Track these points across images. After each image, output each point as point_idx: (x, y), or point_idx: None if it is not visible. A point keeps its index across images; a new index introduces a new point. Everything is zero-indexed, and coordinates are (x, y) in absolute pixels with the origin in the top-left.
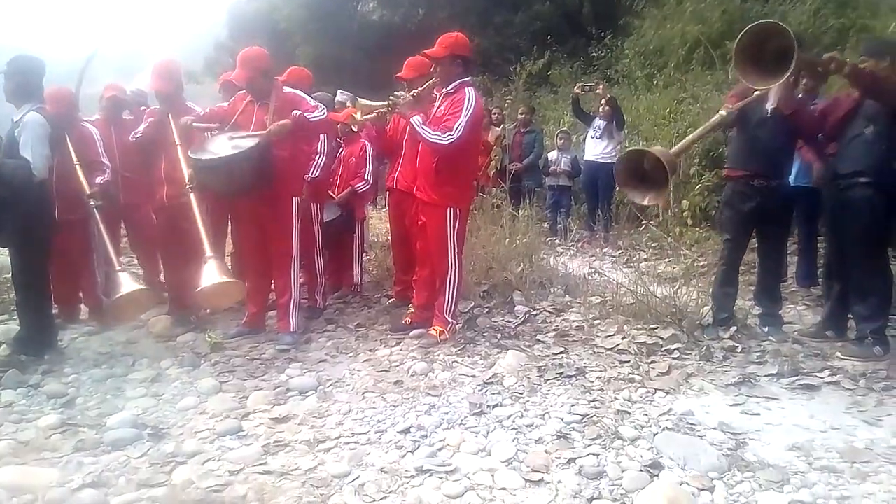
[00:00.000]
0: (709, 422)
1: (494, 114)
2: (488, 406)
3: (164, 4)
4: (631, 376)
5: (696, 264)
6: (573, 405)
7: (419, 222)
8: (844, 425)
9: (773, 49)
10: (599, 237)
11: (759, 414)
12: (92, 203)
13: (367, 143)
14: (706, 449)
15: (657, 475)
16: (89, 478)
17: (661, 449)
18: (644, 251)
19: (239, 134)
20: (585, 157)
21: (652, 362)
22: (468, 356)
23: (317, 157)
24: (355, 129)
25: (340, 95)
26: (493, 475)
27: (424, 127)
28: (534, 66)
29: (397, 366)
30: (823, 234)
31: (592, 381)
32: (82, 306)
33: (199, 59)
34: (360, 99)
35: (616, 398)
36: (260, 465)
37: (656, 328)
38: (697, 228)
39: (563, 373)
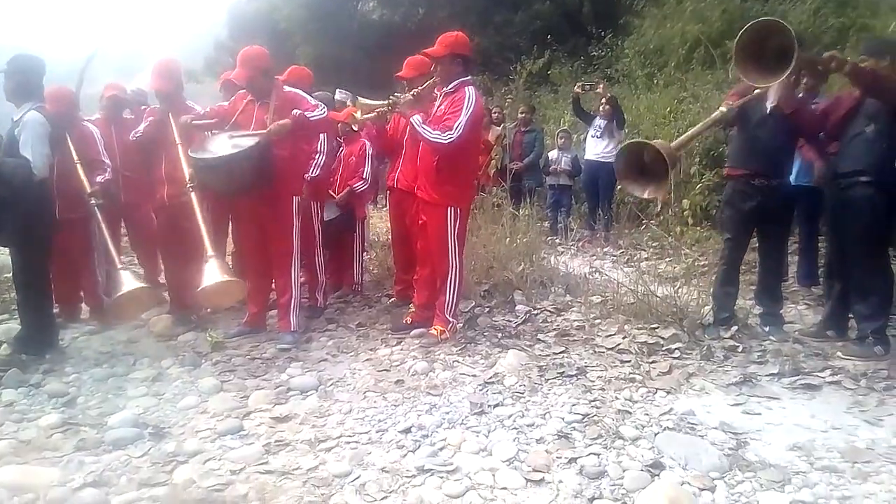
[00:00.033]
0: (710, 421)
1: (495, 113)
2: (489, 406)
3: (164, 4)
4: (632, 376)
5: (696, 264)
6: (574, 405)
7: (420, 221)
8: (846, 425)
9: (774, 47)
10: (600, 236)
11: (760, 414)
12: (93, 202)
13: (367, 142)
14: (707, 449)
15: (658, 475)
16: (90, 477)
17: (662, 449)
18: (645, 250)
19: (239, 133)
20: (586, 157)
21: (653, 362)
22: (469, 356)
23: (317, 157)
24: (356, 129)
25: (339, 94)
26: (494, 475)
27: (424, 126)
28: (534, 65)
29: (398, 365)
30: (824, 233)
31: (593, 381)
32: (83, 305)
33: (200, 59)
34: (360, 98)
35: (617, 398)
36: (261, 464)
37: (657, 328)
38: (698, 228)
39: (563, 372)
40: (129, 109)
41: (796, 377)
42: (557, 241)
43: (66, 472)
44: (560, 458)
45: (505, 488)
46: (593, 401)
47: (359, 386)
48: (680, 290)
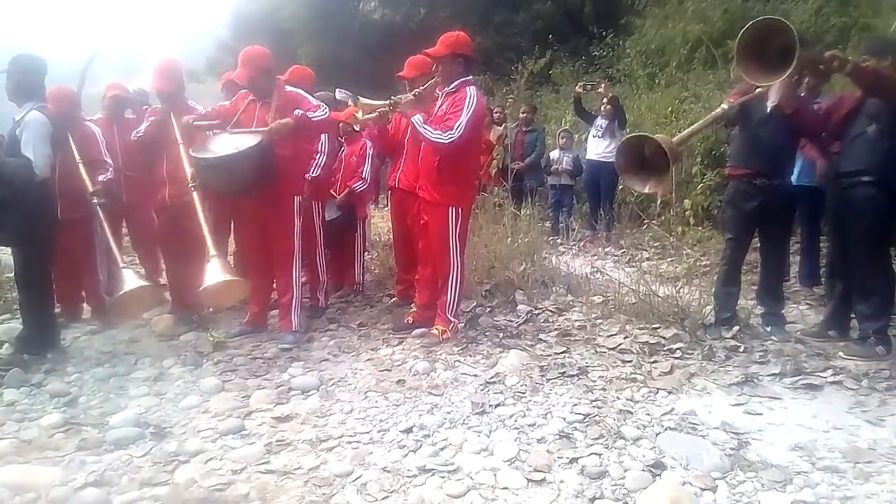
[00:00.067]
0: (711, 421)
1: (496, 113)
2: (490, 405)
3: (165, 4)
4: (633, 376)
5: (698, 264)
6: (575, 405)
7: (421, 221)
8: (847, 425)
9: (776, 46)
10: (601, 236)
11: (761, 414)
12: (95, 201)
13: (367, 142)
14: (709, 449)
15: (659, 475)
16: (92, 477)
17: (663, 449)
18: (646, 250)
19: (240, 130)
20: (587, 157)
21: (654, 362)
22: (470, 355)
23: (318, 157)
24: (357, 129)
25: (339, 94)
26: (495, 475)
27: (425, 126)
28: (535, 65)
29: (399, 365)
30: (826, 233)
31: (595, 381)
32: (85, 305)
33: (201, 59)
34: (361, 98)
35: (618, 398)
36: (262, 464)
37: (658, 328)
38: (700, 228)
39: (565, 372)
40: (130, 109)
41: (798, 377)
42: (559, 240)
43: (67, 472)
44: (561, 457)
45: (506, 488)
46: (595, 401)
47: (360, 386)
48: (681, 290)
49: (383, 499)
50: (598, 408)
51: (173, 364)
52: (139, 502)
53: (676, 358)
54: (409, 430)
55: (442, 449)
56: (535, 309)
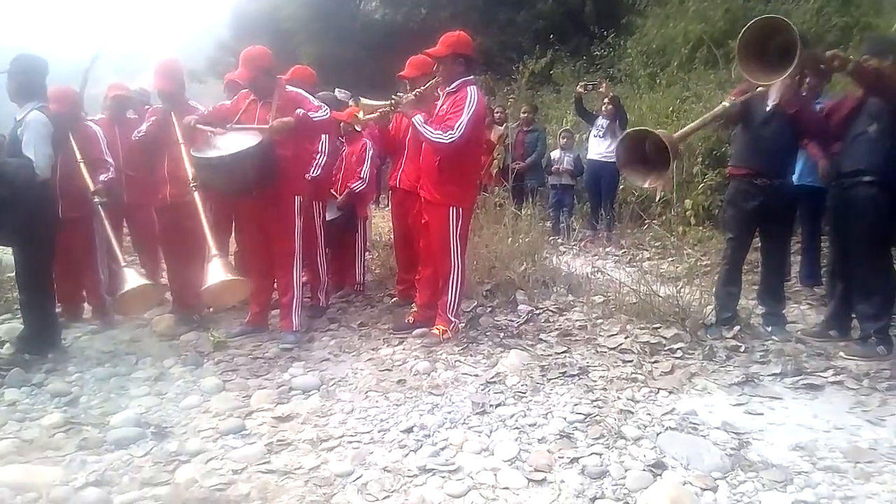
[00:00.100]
0: (712, 421)
1: (497, 113)
2: (491, 405)
3: (166, 4)
4: (634, 376)
5: (699, 263)
6: (576, 404)
7: (422, 221)
8: (848, 425)
9: (777, 45)
10: (602, 236)
11: (762, 413)
12: (96, 200)
13: (368, 141)
14: (709, 448)
15: (660, 475)
16: (93, 476)
17: (664, 448)
18: (647, 250)
19: (240, 126)
20: (588, 156)
21: (655, 362)
22: (471, 355)
23: (318, 157)
24: (358, 129)
25: (338, 94)
26: (495, 474)
27: (426, 126)
28: (536, 64)
29: (400, 365)
30: (827, 233)
31: (595, 381)
32: (86, 305)
33: (202, 59)
34: (362, 98)
35: (619, 398)
36: (263, 463)
37: (659, 327)
38: (700, 227)
39: (565, 372)
40: (133, 109)
41: (799, 377)
42: (559, 240)
43: (68, 472)
44: (562, 457)
45: (507, 488)
46: (595, 400)
47: (361, 385)
48: (682, 289)
49: (384, 498)
50: (599, 408)
51: (174, 364)
52: (140, 502)
53: (677, 358)
54: (409, 430)
55: (442, 449)
56: (536, 309)
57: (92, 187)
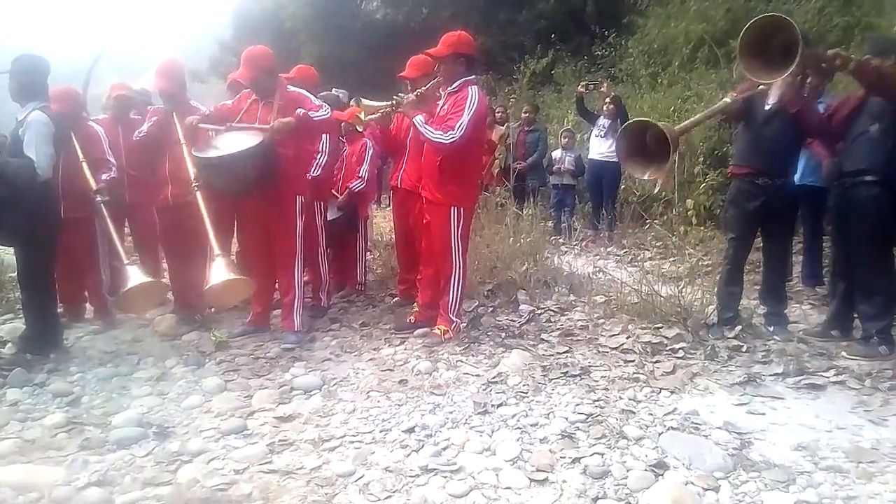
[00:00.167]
0: (714, 421)
1: (498, 112)
2: (493, 405)
3: (168, 4)
4: (636, 376)
5: (700, 263)
6: (578, 404)
7: (423, 221)
8: (850, 425)
9: (778, 43)
10: (604, 236)
11: (764, 413)
12: (98, 199)
13: (368, 141)
14: (711, 448)
15: (662, 475)
16: (95, 476)
17: (666, 448)
18: (648, 250)
19: (241, 125)
20: (589, 156)
21: (657, 362)
22: (472, 355)
23: (318, 157)
24: (360, 129)
25: (335, 93)
26: (497, 474)
27: (427, 126)
28: (537, 64)
29: (402, 365)
30: (829, 232)
31: (597, 381)
32: (87, 305)
33: (204, 59)
34: (363, 99)
35: (621, 397)
36: (265, 463)
37: (661, 327)
38: (702, 227)
39: (567, 372)
40: (135, 109)
41: (801, 377)
42: (561, 240)
43: (70, 472)
44: (564, 457)
45: (508, 488)
46: (597, 400)
47: (362, 385)
48: (684, 289)
49: (385, 498)
50: (601, 408)
51: (176, 364)
52: (142, 502)
53: (679, 358)
54: (411, 430)
55: (444, 449)
56: (538, 309)
57: (94, 187)
